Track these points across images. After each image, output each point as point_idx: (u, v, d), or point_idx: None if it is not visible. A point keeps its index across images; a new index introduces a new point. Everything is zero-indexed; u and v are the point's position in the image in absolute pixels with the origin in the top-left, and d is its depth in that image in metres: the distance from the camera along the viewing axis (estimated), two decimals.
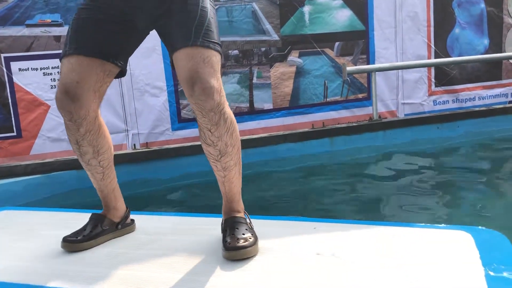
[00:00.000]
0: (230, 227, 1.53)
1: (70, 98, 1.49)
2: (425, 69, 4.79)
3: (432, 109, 4.90)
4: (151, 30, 1.64)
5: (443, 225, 1.66)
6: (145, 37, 1.66)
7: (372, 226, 1.69)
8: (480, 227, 1.56)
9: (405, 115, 4.81)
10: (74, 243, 1.61)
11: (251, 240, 1.48)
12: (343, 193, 2.79)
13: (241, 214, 1.60)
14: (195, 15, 1.47)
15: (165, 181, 3.01)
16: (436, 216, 2.25)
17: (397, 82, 4.78)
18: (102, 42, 1.53)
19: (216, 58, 1.44)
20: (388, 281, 1.26)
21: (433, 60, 4.64)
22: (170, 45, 1.49)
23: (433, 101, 4.94)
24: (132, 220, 1.83)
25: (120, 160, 2.93)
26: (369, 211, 2.40)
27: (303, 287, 1.26)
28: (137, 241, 1.69)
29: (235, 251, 1.44)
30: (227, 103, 1.48)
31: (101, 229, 1.68)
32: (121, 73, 1.61)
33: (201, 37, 1.43)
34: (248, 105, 4.49)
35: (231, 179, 1.56)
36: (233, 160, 1.53)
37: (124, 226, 1.77)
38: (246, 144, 3.17)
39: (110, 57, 1.53)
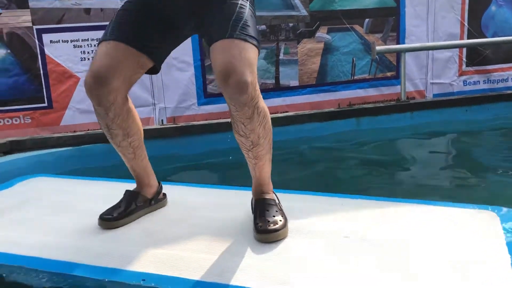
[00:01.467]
0: (260, 209, 1.57)
1: (99, 82, 1.49)
2: (457, 48, 4.67)
3: (462, 90, 4.79)
4: (191, 34, 1.67)
5: (470, 204, 1.68)
6: (183, 40, 1.69)
7: (398, 204, 1.73)
8: (506, 207, 1.60)
9: (434, 95, 4.72)
10: (110, 221, 1.68)
11: (281, 222, 1.53)
12: (369, 173, 2.79)
13: (271, 195, 1.63)
14: (233, 12, 1.47)
15: (192, 157, 3.06)
16: (462, 196, 2.24)
17: (426, 61, 4.68)
18: (141, 35, 1.55)
19: (252, 52, 1.42)
20: (412, 266, 1.30)
21: (466, 41, 4.50)
22: (209, 42, 1.49)
23: (463, 81, 4.83)
24: (164, 195, 1.90)
25: (148, 135, 2.99)
26: (395, 191, 2.42)
27: (332, 271, 1.30)
28: (170, 217, 1.76)
29: (266, 234, 1.48)
30: (261, 97, 1.47)
31: (135, 206, 1.75)
32: (155, 70, 1.63)
33: (238, 30, 1.42)
34: (273, 81, 4.48)
35: (261, 166, 1.59)
36: (264, 150, 1.55)
37: (157, 202, 1.84)
38: (272, 123, 3.20)
39: (146, 51, 1.55)
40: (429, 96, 4.72)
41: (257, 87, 1.43)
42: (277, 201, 1.64)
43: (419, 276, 1.25)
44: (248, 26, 1.46)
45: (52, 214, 1.84)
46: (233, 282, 1.27)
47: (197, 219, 1.72)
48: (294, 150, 3.23)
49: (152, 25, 1.56)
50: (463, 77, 4.83)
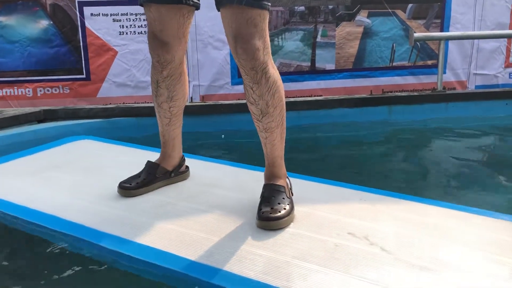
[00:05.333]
0: (267, 195, 1.56)
1: (158, 42, 1.61)
2: (505, 38, 4.44)
3: (507, 82, 4.58)
4: None
5: (499, 213, 1.55)
6: None
7: (418, 204, 1.63)
8: None
9: (476, 86, 4.54)
10: (127, 190, 1.74)
11: (285, 211, 1.50)
12: (395, 165, 2.70)
13: (281, 182, 1.61)
14: None
15: (217, 135, 3.08)
16: (493, 202, 2.07)
17: (471, 51, 4.49)
18: None
19: (260, 17, 1.44)
20: (408, 281, 1.21)
21: (508, 31, 4.26)
22: (217, 1, 1.48)
23: (509, 74, 4.60)
24: (187, 167, 1.93)
25: None
26: (420, 188, 2.29)
27: (320, 271, 1.25)
28: (186, 191, 1.80)
29: (267, 221, 1.47)
30: (273, 64, 1.50)
31: (154, 177, 1.80)
32: (196, 8, 1.66)
33: None
34: (309, 64, 4.42)
35: (272, 141, 1.58)
36: (274, 122, 1.54)
37: (177, 174, 1.88)
38: (300, 106, 3.15)
39: (184, 1, 1.57)
40: (471, 88, 4.54)
41: (267, 51, 1.45)
42: (287, 188, 1.61)
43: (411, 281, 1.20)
44: None
45: (84, 176, 1.95)
46: (219, 265, 1.28)
47: (211, 196, 1.74)
48: (322, 135, 3.18)
49: None
50: (510, 69, 4.60)
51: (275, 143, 1.58)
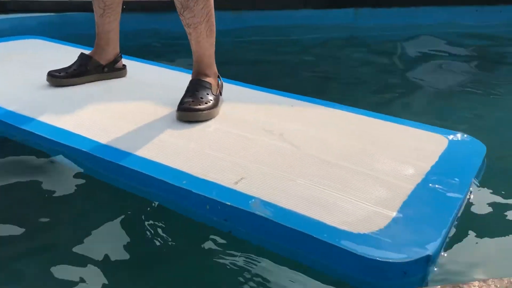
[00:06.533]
0: (191, 88, 1.55)
1: None
2: None
3: None
4: None
5: (427, 125, 1.54)
6: None
7: (346, 113, 1.62)
8: (465, 134, 1.45)
9: None
10: (56, 78, 1.76)
11: (206, 105, 1.49)
12: (347, 73, 2.61)
13: (209, 79, 1.58)
14: None
15: (174, 34, 3.01)
16: (439, 115, 2.03)
17: None
18: None
19: None
20: (310, 172, 1.22)
21: None
22: None
23: None
24: (124, 66, 1.91)
25: (134, 7, 2.95)
26: (366, 98, 2.20)
27: (223, 159, 1.28)
28: (117, 87, 1.81)
29: (185, 112, 1.47)
30: None
31: (85, 69, 1.80)
32: None
33: None
34: None
35: (197, 38, 1.54)
36: (196, 18, 1.49)
37: (112, 70, 1.87)
38: (261, 5, 3.04)
39: None
40: None
41: None
42: (216, 86, 1.58)
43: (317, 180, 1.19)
44: None
45: (23, 71, 1.96)
46: (130, 150, 1.31)
47: (142, 93, 1.74)
48: (282, 38, 3.09)
49: None
50: None
51: (199, 40, 1.54)
